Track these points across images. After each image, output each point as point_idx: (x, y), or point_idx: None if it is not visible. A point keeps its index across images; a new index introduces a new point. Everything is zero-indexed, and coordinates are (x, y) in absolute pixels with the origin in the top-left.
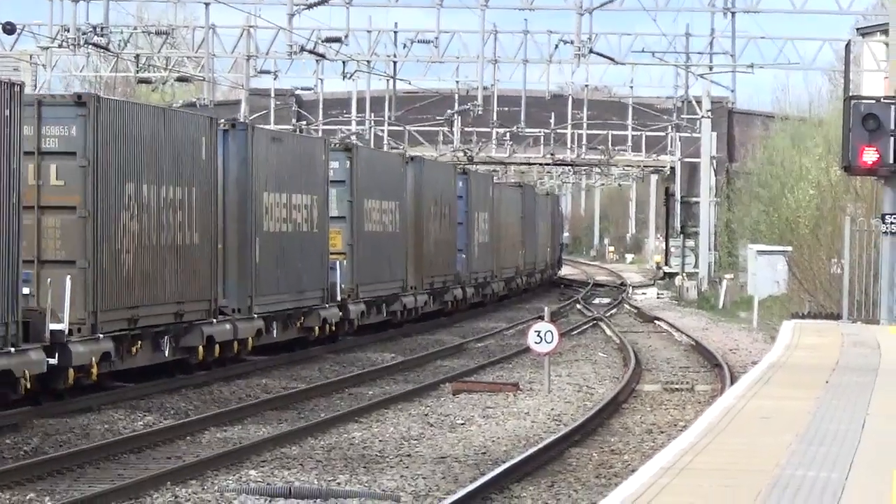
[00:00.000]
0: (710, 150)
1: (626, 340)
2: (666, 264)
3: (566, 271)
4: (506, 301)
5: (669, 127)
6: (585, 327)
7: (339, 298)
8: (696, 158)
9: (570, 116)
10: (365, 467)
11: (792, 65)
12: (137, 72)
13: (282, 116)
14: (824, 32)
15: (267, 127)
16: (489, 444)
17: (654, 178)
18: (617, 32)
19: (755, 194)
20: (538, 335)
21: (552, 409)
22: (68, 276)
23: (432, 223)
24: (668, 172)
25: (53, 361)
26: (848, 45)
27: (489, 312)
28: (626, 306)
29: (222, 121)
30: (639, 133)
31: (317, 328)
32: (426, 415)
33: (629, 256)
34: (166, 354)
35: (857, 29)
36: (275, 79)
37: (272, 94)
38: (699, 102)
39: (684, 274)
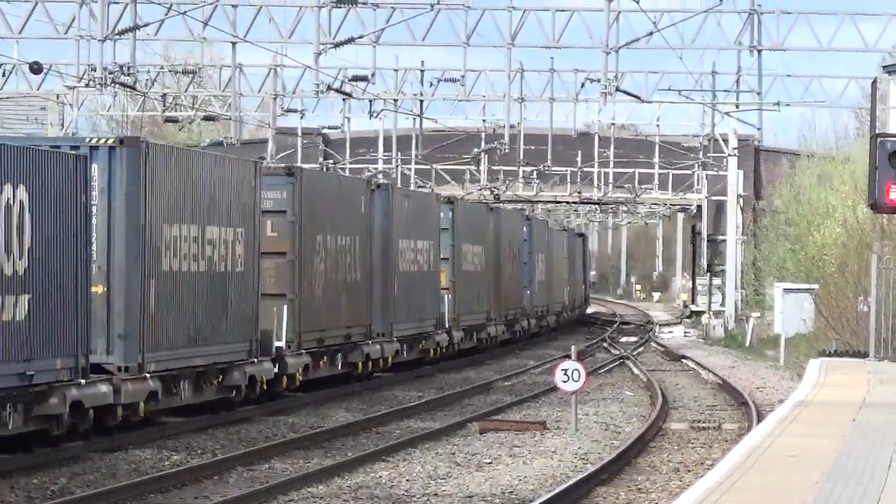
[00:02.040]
0: (737, 188)
1: (654, 379)
2: (693, 302)
3: (593, 309)
4: (553, 333)
5: (696, 165)
6: (612, 366)
7: (446, 326)
8: (722, 196)
9: (596, 154)
10: None
11: (818, 102)
12: (164, 111)
13: (309, 155)
14: (851, 70)
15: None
16: (516, 483)
17: (680, 216)
18: (643, 71)
19: (781, 232)
20: (565, 374)
21: (579, 448)
22: (285, 306)
23: (507, 263)
24: (695, 210)
25: (275, 370)
26: (874, 83)
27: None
28: (653, 344)
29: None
30: (665, 171)
31: (432, 350)
32: (453, 453)
33: (656, 294)
34: (339, 368)
35: (884, 67)
36: (301, 117)
37: (299, 133)
38: (725, 140)
39: (711, 312)
